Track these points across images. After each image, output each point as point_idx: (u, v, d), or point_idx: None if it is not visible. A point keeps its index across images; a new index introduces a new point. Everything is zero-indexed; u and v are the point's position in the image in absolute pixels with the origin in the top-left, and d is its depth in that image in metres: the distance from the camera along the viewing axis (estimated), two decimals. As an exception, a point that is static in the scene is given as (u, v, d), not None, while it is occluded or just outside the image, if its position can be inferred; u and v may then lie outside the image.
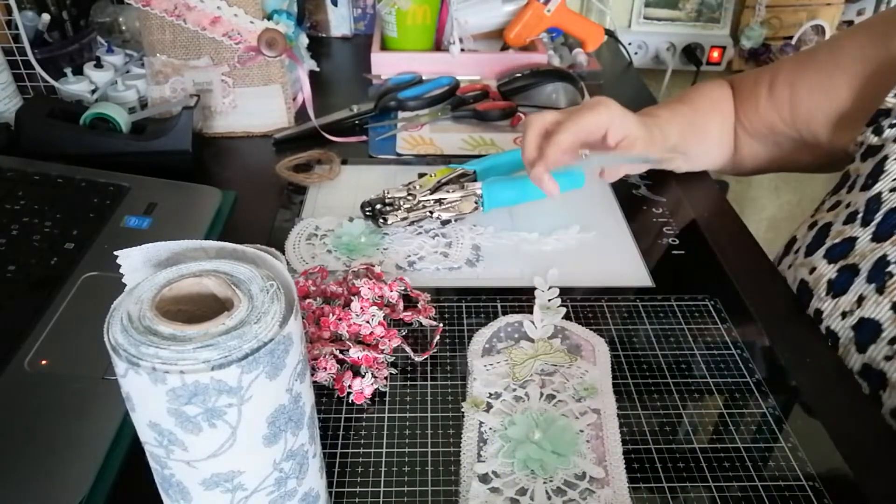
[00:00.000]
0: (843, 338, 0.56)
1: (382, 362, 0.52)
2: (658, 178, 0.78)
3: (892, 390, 0.51)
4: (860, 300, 0.55)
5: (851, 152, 0.64)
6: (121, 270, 0.33)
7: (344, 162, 0.79)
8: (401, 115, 0.89)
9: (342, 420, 0.48)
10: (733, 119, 0.75)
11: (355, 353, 0.51)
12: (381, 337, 0.53)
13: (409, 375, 0.52)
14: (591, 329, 0.56)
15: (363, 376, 0.50)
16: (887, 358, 0.52)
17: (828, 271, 0.58)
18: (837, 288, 0.57)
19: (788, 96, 0.69)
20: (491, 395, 0.49)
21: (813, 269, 0.60)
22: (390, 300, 0.57)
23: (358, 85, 1.00)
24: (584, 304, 0.59)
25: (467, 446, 0.46)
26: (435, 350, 0.54)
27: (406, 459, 0.45)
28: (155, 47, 0.81)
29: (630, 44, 1.37)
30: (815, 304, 0.58)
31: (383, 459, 0.45)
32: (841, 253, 0.58)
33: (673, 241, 0.68)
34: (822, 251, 0.59)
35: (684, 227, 0.70)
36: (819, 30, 1.41)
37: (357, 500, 0.42)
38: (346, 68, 1.10)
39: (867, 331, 0.54)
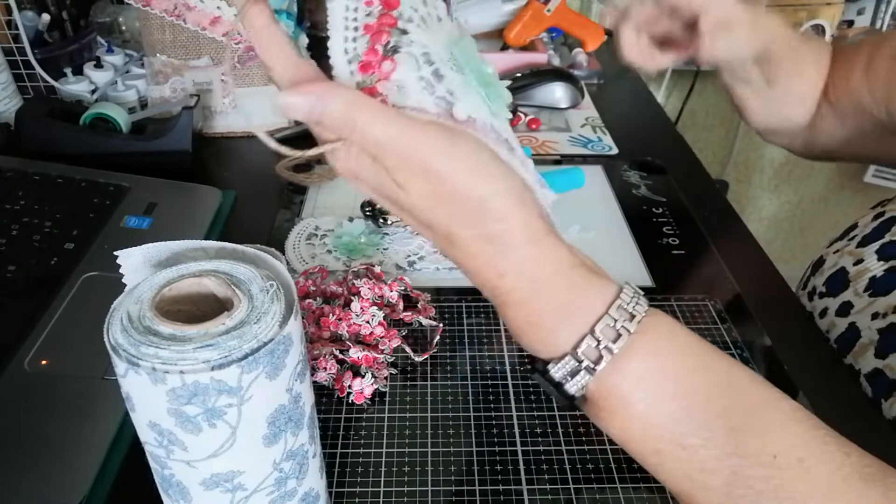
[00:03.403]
0: (864, 337, 0.54)
1: (382, 362, 0.52)
2: (658, 178, 0.78)
3: (895, 402, 0.51)
4: None
5: None
6: (121, 270, 0.33)
7: (344, 162, 0.79)
8: (401, 115, 0.89)
9: (342, 420, 0.48)
10: (825, 79, 0.62)
11: (355, 353, 0.51)
12: (381, 337, 0.53)
13: (409, 375, 0.52)
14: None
15: (363, 376, 0.50)
16: None
17: (875, 268, 0.55)
18: (879, 287, 0.54)
19: (886, 72, 0.58)
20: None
21: (859, 261, 0.57)
22: (390, 300, 0.57)
23: (358, 85, 1.00)
24: (584, 304, 0.59)
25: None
26: (435, 350, 0.54)
27: (406, 459, 0.45)
28: (155, 47, 0.81)
29: (630, 44, 1.36)
30: (847, 297, 0.56)
31: (383, 459, 0.45)
32: (895, 254, 0.55)
33: (673, 241, 0.68)
34: (875, 245, 0.57)
35: (684, 227, 0.70)
36: (819, 29, 1.41)
37: (357, 500, 0.42)
38: (346, 68, 1.10)
39: (895, 339, 0.52)
